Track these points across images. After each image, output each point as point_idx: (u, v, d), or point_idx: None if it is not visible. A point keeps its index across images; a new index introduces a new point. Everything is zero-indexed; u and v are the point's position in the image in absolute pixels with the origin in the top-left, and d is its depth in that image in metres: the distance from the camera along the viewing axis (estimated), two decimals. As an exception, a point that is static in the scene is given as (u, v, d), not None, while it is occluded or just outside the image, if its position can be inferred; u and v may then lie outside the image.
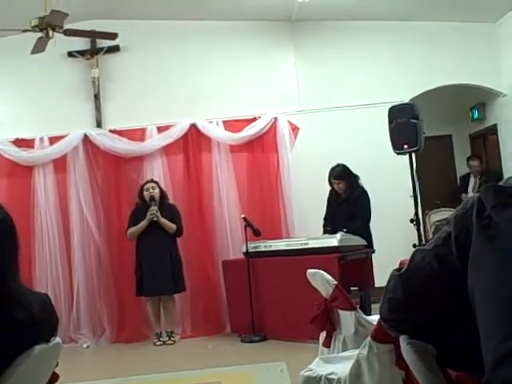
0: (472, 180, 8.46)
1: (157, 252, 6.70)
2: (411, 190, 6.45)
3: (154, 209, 6.73)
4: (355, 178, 6.56)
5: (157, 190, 6.87)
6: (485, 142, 9.69)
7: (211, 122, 7.62)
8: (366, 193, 6.52)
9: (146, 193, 6.85)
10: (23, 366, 1.75)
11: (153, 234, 6.72)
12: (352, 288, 5.99)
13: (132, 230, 6.84)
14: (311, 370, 2.93)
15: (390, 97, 7.44)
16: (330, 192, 6.70)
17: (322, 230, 6.65)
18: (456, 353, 1.43)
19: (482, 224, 1.23)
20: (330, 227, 6.53)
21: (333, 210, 6.65)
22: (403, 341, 1.46)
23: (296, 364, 4.30)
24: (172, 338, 6.74)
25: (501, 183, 1.30)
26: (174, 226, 6.78)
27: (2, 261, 1.81)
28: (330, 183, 6.63)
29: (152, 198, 6.79)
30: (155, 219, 6.71)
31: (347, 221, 6.35)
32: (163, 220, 6.74)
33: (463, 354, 1.38)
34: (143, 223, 6.76)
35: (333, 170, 6.59)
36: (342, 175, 6.54)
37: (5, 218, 1.90)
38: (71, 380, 4.54)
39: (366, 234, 6.33)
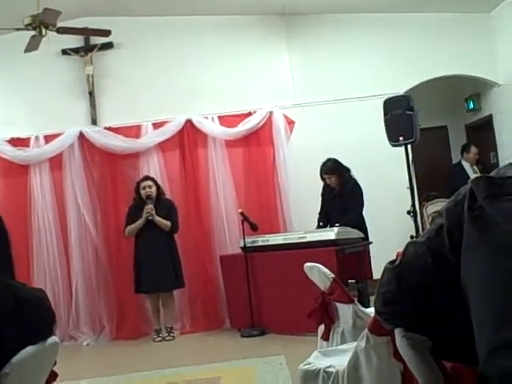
0: (470, 168, 8.44)
1: (155, 249, 6.70)
2: (407, 181, 6.46)
3: (149, 207, 6.73)
4: (346, 170, 6.57)
5: (153, 189, 6.86)
6: (480, 132, 9.69)
7: (206, 117, 7.60)
8: (358, 185, 6.53)
9: (142, 191, 6.84)
10: (20, 366, 1.76)
11: (151, 231, 6.73)
12: (350, 281, 6.01)
13: (130, 228, 6.84)
14: (310, 364, 2.93)
15: (385, 89, 7.43)
16: (324, 187, 6.72)
17: (316, 224, 6.67)
18: (451, 344, 1.43)
19: (473, 215, 1.23)
20: (323, 222, 6.55)
21: (327, 204, 6.67)
22: (398, 333, 1.47)
23: (295, 357, 4.31)
24: (171, 334, 6.74)
25: (492, 174, 1.30)
26: (168, 224, 6.78)
27: None
28: (322, 178, 6.65)
29: (148, 197, 6.79)
30: (150, 218, 6.72)
31: (342, 214, 6.36)
32: (158, 218, 6.74)
33: (458, 346, 1.39)
34: (140, 221, 6.77)
35: (323, 165, 6.62)
36: (332, 169, 6.56)
37: None
38: (71, 378, 4.56)
39: (361, 227, 6.34)
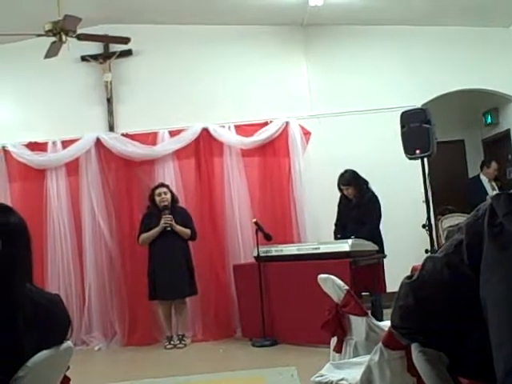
0: (488, 183, 8.36)
1: (172, 256, 6.69)
2: (423, 195, 6.43)
3: (168, 217, 6.72)
4: (364, 182, 6.55)
5: (169, 195, 6.87)
6: (497, 147, 9.63)
7: (223, 126, 7.62)
8: (375, 197, 6.51)
9: (157, 198, 6.85)
10: (34, 369, 1.77)
11: (167, 238, 6.73)
12: (363, 293, 5.98)
13: (144, 236, 6.83)
14: (322, 376, 2.91)
15: (402, 101, 7.41)
16: (340, 198, 6.70)
17: (333, 235, 6.65)
18: (468, 361, 1.41)
19: (493, 232, 1.22)
20: (340, 234, 6.52)
21: (344, 215, 6.64)
22: (415, 349, 1.45)
23: (307, 369, 4.28)
24: (183, 342, 6.74)
25: (513, 191, 1.28)
26: (188, 232, 6.80)
27: (16, 262, 1.84)
28: (340, 189, 6.63)
29: (166, 207, 6.79)
30: (169, 229, 6.72)
31: (358, 226, 6.34)
32: (179, 228, 6.75)
33: (475, 363, 1.37)
34: (156, 230, 6.75)
35: (341, 176, 6.59)
36: (350, 181, 6.54)
37: (19, 222, 1.93)
38: (82, 383, 4.56)
39: (377, 239, 6.31)
